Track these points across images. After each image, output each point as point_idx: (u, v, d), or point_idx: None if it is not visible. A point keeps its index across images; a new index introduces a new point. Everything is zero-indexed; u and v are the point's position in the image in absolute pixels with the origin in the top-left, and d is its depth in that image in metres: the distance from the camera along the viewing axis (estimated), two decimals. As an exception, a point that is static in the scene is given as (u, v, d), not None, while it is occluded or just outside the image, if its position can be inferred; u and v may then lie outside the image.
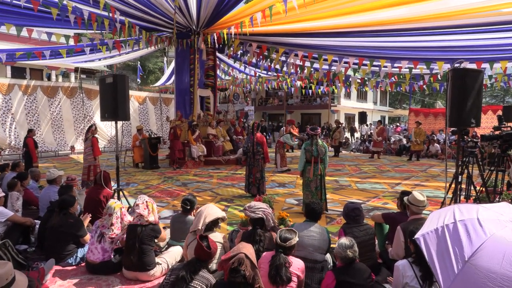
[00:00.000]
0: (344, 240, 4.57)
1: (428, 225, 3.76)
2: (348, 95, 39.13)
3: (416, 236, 3.75)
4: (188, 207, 6.29)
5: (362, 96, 42.20)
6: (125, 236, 5.81)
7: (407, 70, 17.56)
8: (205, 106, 19.19)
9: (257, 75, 25.94)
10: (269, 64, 18.09)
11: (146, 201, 5.78)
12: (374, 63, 16.98)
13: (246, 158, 10.27)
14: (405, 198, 5.58)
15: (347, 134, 32.27)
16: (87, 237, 6.22)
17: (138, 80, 29.90)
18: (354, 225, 5.30)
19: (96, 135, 11.54)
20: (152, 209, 5.77)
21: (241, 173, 14.21)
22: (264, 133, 27.31)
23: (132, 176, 13.81)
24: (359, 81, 21.05)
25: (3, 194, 6.66)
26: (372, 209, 8.85)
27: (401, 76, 20.30)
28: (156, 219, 5.80)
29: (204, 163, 16.71)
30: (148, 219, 5.65)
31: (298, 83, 26.54)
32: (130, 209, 6.66)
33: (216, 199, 9.95)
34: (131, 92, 24.58)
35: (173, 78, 27.36)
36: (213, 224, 5.48)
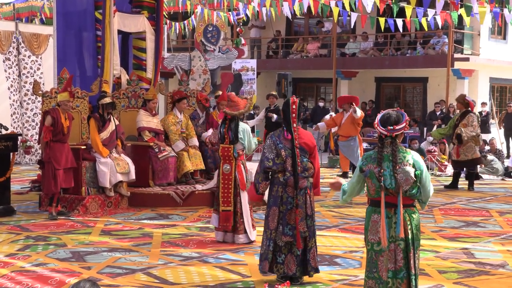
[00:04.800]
0: None
1: None
2: (499, 33, 18.91)
3: None
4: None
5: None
6: None
7: None
8: (134, 59, 10.01)
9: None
10: None
11: None
12: None
13: (272, 190, 5.13)
14: None
15: (498, 133, 16.28)
16: None
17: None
18: None
19: None
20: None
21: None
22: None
23: None
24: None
25: None
26: None
27: None
28: None
29: (128, 201, 8.80)
30: None
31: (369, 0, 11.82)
32: None
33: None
34: None
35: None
36: None
